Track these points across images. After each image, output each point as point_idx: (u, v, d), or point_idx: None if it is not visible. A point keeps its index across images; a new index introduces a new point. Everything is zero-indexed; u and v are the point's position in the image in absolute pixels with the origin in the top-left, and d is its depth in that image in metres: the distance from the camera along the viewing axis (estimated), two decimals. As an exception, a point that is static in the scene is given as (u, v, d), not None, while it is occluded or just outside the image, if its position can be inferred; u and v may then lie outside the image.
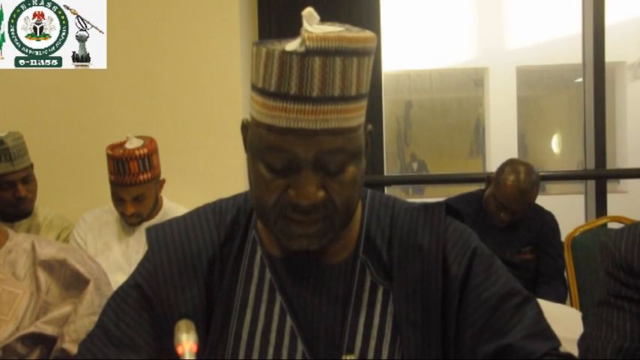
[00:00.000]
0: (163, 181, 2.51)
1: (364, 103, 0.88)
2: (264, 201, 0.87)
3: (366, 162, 0.92)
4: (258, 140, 0.86)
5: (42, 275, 1.37)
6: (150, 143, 2.40)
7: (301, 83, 0.81)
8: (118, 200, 2.40)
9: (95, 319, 1.03)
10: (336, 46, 0.81)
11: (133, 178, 2.34)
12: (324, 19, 0.85)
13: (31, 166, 2.49)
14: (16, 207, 2.44)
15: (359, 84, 0.84)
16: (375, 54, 0.88)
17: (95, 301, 1.38)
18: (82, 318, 1.36)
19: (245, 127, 0.92)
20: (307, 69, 0.80)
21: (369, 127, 0.93)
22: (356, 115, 0.86)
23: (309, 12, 0.82)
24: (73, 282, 1.38)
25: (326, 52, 0.80)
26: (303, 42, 0.80)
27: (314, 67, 0.80)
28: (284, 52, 0.81)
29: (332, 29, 0.83)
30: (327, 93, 0.82)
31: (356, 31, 0.84)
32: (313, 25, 0.82)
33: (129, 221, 2.44)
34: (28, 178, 2.45)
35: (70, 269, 1.38)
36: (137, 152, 2.34)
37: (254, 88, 0.86)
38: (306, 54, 0.80)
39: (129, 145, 2.36)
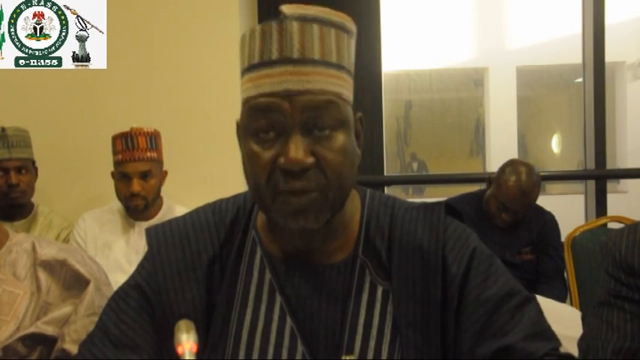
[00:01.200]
0: (166, 172, 2.52)
1: (349, 79, 0.90)
2: (257, 180, 0.87)
3: (360, 155, 0.93)
4: (247, 116, 0.88)
5: (42, 275, 1.37)
6: (154, 130, 2.46)
7: (282, 47, 0.84)
8: (123, 180, 2.40)
9: (95, 319, 1.02)
10: (313, 14, 0.85)
11: (141, 153, 2.38)
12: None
13: (32, 162, 2.51)
14: (6, 195, 2.44)
15: (339, 55, 0.87)
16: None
17: (95, 302, 1.38)
18: (82, 318, 1.36)
19: (239, 127, 0.93)
20: (286, 32, 0.84)
21: (359, 114, 0.95)
22: (339, 83, 0.87)
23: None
24: (74, 282, 1.38)
25: (304, 17, 0.85)
26: (281, 12, 0.85)
27: (292, 31, 0.84)
28: (264, 24, 0.86)
29: None
30: (307, 55, 0.84)
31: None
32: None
33: (133, 205, 2.41)
34: (23, 169, 2.47)
35: (71, 269, 1.38)
36: (145, 129, 2.40)
37: (242, 72, 0.90)
38: (284, 19, 0.84)
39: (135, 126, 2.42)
